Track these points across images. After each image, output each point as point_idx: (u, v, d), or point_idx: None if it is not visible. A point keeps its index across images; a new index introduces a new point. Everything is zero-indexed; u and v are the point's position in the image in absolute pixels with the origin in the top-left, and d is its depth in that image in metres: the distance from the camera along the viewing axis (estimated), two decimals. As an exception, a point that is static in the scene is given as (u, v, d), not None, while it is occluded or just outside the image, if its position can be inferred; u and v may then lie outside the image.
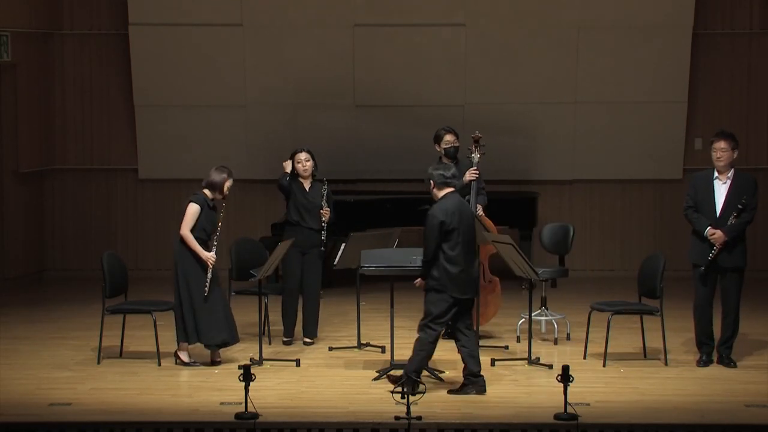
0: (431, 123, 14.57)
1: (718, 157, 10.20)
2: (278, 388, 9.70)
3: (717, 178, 10.26)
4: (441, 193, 9.50)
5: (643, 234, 15.20)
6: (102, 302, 10.57)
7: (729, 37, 15.11)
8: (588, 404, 9.03)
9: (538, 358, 10.50)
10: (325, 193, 11.34)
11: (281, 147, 14.94)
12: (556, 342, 11.41)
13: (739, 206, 10.10)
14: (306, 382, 9.94)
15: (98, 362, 10.50)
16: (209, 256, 10.33)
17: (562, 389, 8.64)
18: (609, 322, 10.44)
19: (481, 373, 9.55)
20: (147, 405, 9.19)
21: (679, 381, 9.97)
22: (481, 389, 9.47)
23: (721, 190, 10.23)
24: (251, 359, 10.36)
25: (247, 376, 8.59)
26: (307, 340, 11.35)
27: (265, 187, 14.85)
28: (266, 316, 11.18)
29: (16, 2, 14.30)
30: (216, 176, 10.48)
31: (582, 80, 14.85)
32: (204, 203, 10.41)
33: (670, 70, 14.82)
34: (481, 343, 11.08)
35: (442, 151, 11.51)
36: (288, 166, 11.28)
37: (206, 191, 10.46)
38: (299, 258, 11.18)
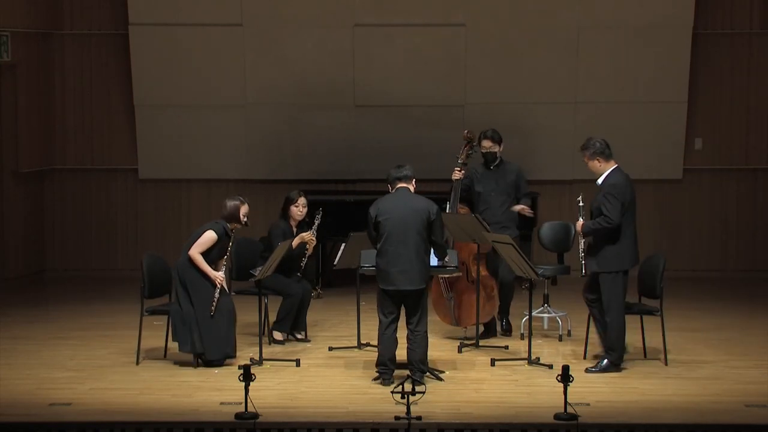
0: (431, 123, 14.67)
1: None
2: (278, 388, 9.69)
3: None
4: (392, 189, 9.94)
5: (643, 234, 15.10)
6: (141, 303, 10.52)
7: (729, 37, 15.09)
8: (588, 404, 9.03)
9: (538, 358, 10.50)
10: (317, 223, 11.39)
11: (281, 147, 14.98)
12: (560, 338, 11.43)
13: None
14: (306, 382, 9.93)
15: (137, 363, 10.47)
16: (218, 275, 10.35)
17: (562, 389, 8.64)
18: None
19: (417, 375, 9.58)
20: (147, 405, 9.19)
21: (679, 381, 9.96)
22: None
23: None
24: (251, 359, 10.36)
25: (247, 376, 8.59)
26: (299, 336, 11.43)
27: (264, 187, 14.84)
28: (266, 316, 11.18)
29: (16, 2, 14.29)
30: (230, 206, 10.52)
31: (582, 80, 14.84)
32: (223, 234, 10.42)
33: (670, 70, 14.81)
34: (480, 342, 11.11)
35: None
36: (308, 238, 11.29)
37: (227, 222, 10.50)
38: (282, 275, 11.19)
